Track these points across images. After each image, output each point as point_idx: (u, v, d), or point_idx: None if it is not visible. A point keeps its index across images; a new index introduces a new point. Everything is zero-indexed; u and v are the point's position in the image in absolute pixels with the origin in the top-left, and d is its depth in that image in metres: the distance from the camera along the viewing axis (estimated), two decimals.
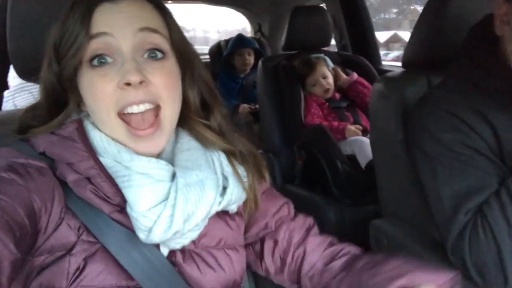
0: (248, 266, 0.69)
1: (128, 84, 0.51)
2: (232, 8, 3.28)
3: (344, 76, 1.94)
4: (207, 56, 3.08)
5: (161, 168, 0.55)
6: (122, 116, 0.54)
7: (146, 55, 0.54)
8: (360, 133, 1.71)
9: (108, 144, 0.55)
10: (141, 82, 0.52)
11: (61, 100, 0.57)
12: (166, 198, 0.53)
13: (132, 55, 0.53)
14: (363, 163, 1.56)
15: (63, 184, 0.53)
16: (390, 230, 0.98)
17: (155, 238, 0.52)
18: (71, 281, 0.50)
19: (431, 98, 0.83)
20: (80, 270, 0.51)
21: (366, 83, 1.84)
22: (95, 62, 0.52)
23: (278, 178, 1.88)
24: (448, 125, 0.76)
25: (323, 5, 2.36)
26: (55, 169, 0.54)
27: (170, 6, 0.62)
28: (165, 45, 0.56)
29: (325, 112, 1.85)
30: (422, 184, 0.80)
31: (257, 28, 3.24)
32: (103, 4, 0.53)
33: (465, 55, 0.84)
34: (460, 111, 0.75)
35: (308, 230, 0.67)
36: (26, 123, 0.57)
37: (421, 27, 1.01)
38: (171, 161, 0.58)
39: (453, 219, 0.71)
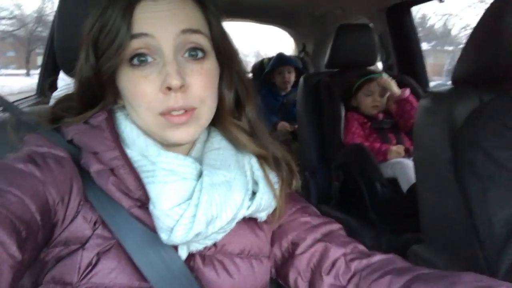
0: (273, 278, 0.64)
1: (169, 88, 0.50)
2: (279, 27, 3.31)
3: (397, 88, 1.79)
4: (250, 75, 3.12)
5: (187, 166, 0.52)
6: (164, 115, 0.52)
7: (187, 54, 0.53)
8: (403, 154, 1.62)
9: (138, 136, 0.54)
10: (181, 87, 0.50)
11: (97, 94, 0.57)
12: (191, 197, 0.50)
13: (173, 56, 0.52)
14: (405, 187, 1.46)
15: (85, 175, 0.52)
16: (431, 257, 0.90)
17: (176, 238, 0.49)
18: (82, 277, 0.48)
19: (486, 112, 0.78)
20: (92, 266, 0.49)
21: (415, 103, 1.73)
22: (135, 61, 0.52)
23: (314, 198, 1.82)
24: (505, 141, 0.70)
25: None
26: (80, 159, 0.53)
27: None
28: (206, 44, 0.55)
29: (366, 132, 1.77)
30: (470, 208, 0.73)
31: (301, 47, 3.25)
32: (143, 1, 0.52)
33: None
34: None
35: (332, 231, 0.60)
36: (58, 114, 0.57)
37: (474, 43, 0.95)
38: (200, 160, 0.56)
39: (504, 249, 0.64)
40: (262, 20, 3.16)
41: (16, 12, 11.67)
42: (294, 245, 0.60)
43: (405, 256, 0.99)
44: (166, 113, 0.51)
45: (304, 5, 2.57)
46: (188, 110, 0.52)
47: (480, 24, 0.93)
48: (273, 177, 0.59)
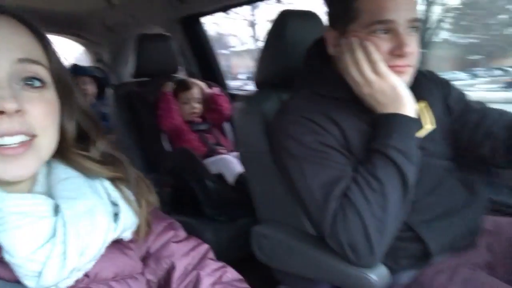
0: None
1: (2, 112, 0.45)
2: (66, 37, 3.02)
3: (208, 89, 2.02)
4: None
5: (40, 203, 0.49)
6: None
7: (22, 83, 0.49)
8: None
9: None
10: (17, 111, 0.46)
11: None
12: (53, 235, 0.48)
13: (7, 82, 0.47)
14: (230, 179, 1.65)
15: None
16: (270, 232, 1.07)
17: (47, 282, 0.46)
18: None
19: (289, 108, 0.96)
20: None
21: (223, 97, 1.99)
22: None
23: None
24: (307, 128, 0.88)
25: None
26: None
27: None
28: (45, 74, 0.52)
29: (187, 132, 1.89)
30: (293, 183, 0.90)
31: (96, 57, 3.07)
32: None
33: (306, 71, 1.01)
34: (313, 116, 0.89)
35: (203, 256, 0.68)
36: None
37: (266, 52, 1.16)
38: (49, 194, 0.53)
39: (325, 207, 0.82)
40: (50, 30, 2.82)
41: None
42: (169, 273, 0.65)
43: (244, 241, 1.14)
44: None
45: (95, 15, 2.46)
46: (26, 141, 0.48)
47: (270, 34, 1.14)
48: (130, 195, 0.60)
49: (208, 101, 1.99)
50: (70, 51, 3.35)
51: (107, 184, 0.58)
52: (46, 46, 0.54)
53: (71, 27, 2.72)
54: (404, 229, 0.87)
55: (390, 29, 0.83)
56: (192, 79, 2.06)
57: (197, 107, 1.95)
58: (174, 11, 2.11)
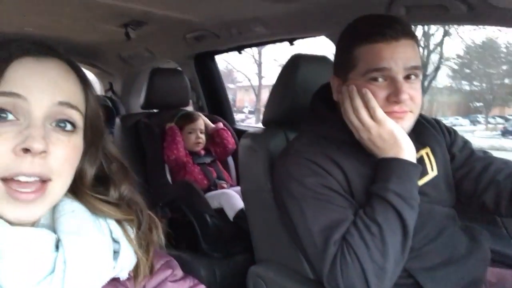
0: None
1: (27, 150, 0.45)
2: (82, 66, 3.12)
3: (211, 124, 2.07)
4: None
5: (42, 238, 0.49)
6: (6, 181, 0.47)
7: (55, 124, 0.50)
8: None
9: None
10: (41, 152, 0.47)
11: None
12: (52, 271, 0.47)
13: (42, 121, 0.48)
14: (231, 214, 1.64)
15: None
16: (268, 274, 1.05)
17: None
18: None
19: (292, 150, 0.97)
20: None
21: (227, 132, 2.02)
22: None
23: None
24: (309, 171, 0.89)
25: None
26: None
27: None
28: (79, 121, 0.53)
29: (189, 166, 1.89)
30: (293, 224, 0.90)
31: (107, 86, 3.16)
32: (25, 58, 0.48)
33: (312, 114, 1.03)
34: (316, 158, 0.90)
35: None
36: None
37: (276, 93, 1.20)
38: (52, 227, 0.53)
39: (324, 250, 0.81)
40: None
41: None
42: None
43: (239, 279, 1.11)
44: (10, 180, 0.46)
45: (112, 47, 2.55)
46: (38, 185, 0.48)
47: (280, 77, 1.18)
48: (131, 233, 0.59)
49: (213, 135, 2.02)
50: None
51: (111, 221, 0.57)
52: (87, 92, 0.55)
53: (86, 56, 2.82)
54: (404, 275, 0.85)
55: (387, 77, 0.85)
56: (197, 112, 2.11)
57: (202, 137, 1.98)
58: (190, 48, 2.19)
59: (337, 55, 0.97)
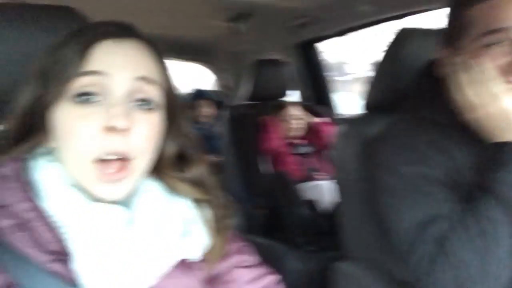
0: None
1: (113, 129, 0.47)
2: (197, 63, 3.37)
3: (312, 116, 2.00)
4: None
5: (115, 214, 0.50)
6: (97, 163, 0.49)
7: (136, 103, 0.51)
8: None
9: (57, 188, 0.50)
10: (125, 130, 0.48)
11: (32, 129, 0.52)
12: (120, 247, 0.48)
13: (123, 99, 0.50)
14: (324, 207, 1.55)
15: None
16: (354, 271, 0.96)
17: None
18: None
19: (389, 134, 0.86)
20: None
21: (327, 126, 1.94)
22: (80, 99, 0.48)
23: (241, 228, 1.81)
24: (407, 158, 0.78)
25: None
26: None
27: None
28: (158, 97, 0.54)
29: (286, 155, 1.86)
30: (385, 218, 0.79)
31: (220, 81, 3.32)
32: (105, 41, 0.51)
33: (415, 94, 0.90)
34: (416, 144, 0.78)
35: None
36: None
37: (380, 72, 1.07)
38: (127, 204, 0.53)
39: (417, 249, 0.71)
40: (181, 57, 3.19)
41: None
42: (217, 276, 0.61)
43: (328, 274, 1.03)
44: (99, 162, 0.48)
45: (222, 43, 2.67)
46: (124, 162, 0.49)
47: (386, 53, 1.05)
48: (208, 215, 0.59)
49: (312, 127, 1.96)
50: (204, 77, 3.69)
51: (187, 200, 0.58)
52: (164, 70, 0.57)
53: (198, 54, 3.01)
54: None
55: (507, 40, 0.71)
56: (293, 100, 2.07)
57: (297, 124, 1.93)
58: (293, 37, 2.16)
59: (447, 21, 0.83)
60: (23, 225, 0.46)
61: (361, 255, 0.99)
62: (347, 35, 2.04)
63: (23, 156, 0.52)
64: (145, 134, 0.51)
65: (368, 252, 0.96)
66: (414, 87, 0.92)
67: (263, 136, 1.86)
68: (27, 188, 0.48)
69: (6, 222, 0.46)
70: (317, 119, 1.99)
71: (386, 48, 1.05)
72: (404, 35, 1.02)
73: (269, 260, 0.67)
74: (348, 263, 1.00)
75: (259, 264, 0.65)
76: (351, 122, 1.09)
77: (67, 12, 0.67)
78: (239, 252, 0.64)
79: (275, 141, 1.82)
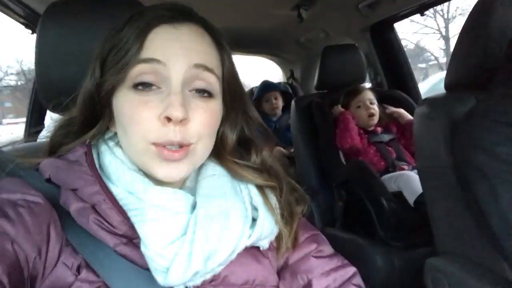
0: None
1: (169, 119, 0.47)
2: (265, 57, 3.36)
3: (409, 116, 1.80)
4: None
5: (178, 199, 0.50)
6: (156, 146, 0.49)
7: (193, 91, 0.51)
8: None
9: (123, 171, 0.51)
10: (181, 120, 0.48)
11: (96, 113, 0.54)
12: (185, 233, 0.47)
13: (181, 87, 0.50)
14: (411, 199, 1.42)
15: (66, 215, 0.48)
16: (449, 268, 0.85)
17: (172, 280, 0.45)
18: None
19: (479, 111, 0.76)
20: None
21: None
22: (139, 87, 0.50)
23: (317, 221, 1.76)
24: (503, 137, 0.67)
25: None
26: (58, 198, 0.49)
27: None
28: (215, 85, 0.53)
29: (364, 145, 1.74)
30: (482, 209, 0.70)
31: (289, 74, 3.28)
32: (162, 26, 0.51)
33: (508, 65, 0.78)
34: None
35: (346, 280, 0.59)
36: (58, 142, 0.55)
37: (462, 46, 0.94)
38: (194, 190, 0.54)
39: None
40: (249, 51, 3.20)
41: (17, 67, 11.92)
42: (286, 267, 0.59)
43: (418, 274, 0.94)
44: (159, 145, 0.49)
45: (288, 33, 2.62)
46: (184, 146, 0.49)
47: (466, 25, 0.93)
48: (274, 202, 0.56)
49: (391, 115, 1.82)
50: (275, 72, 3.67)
51: (252, 187, 0.56)
52: (223, 56, 0.56)
53: (267, 46, 2.98)
54: None
55: None
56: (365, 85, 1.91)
57: (373, 108, 1.79)
58: (364, 19, 2.02)
59: None
60: (92, 209, 0.48)
61: (456, 249, 0.88)
62: (427, 13, 1.83)
63: (90, 142, 0.54)
64: (202, 122, 0.50)
65: (463, 247, 0.86)
66: (505, 57, 0.79)
67: (341, 132, 1.75)
68: (96, 173, 0.50)
69: (77, 205, 0.48)
70: (393, 108, 1.84)
71: (468, 19, 0.93)
72: (489, 3, 0.88)
73: (350, 255, 0.63)
74: (441, 259, 0.90)
75: (334, 255, 0.62)
76: (434, 102, 0.97)
77: (131, 4, 0.69)
78: (312, 241, 0.62)
79: (354, 137, 1.70)
